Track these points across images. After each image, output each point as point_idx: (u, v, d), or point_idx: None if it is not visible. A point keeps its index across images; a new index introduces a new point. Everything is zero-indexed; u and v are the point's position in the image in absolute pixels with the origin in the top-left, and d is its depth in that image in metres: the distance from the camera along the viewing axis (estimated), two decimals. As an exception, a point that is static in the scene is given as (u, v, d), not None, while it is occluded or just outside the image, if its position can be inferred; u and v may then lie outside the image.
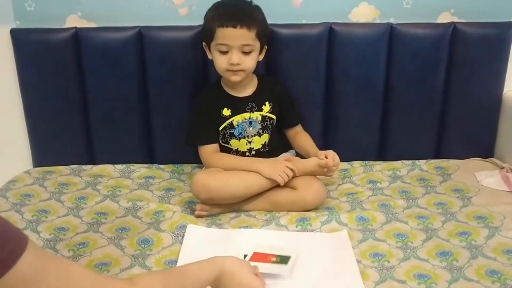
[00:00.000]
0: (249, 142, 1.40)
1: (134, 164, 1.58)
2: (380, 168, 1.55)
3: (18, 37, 1.48)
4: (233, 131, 1.39)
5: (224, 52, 1.30)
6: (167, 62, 1.49)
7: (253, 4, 1.36)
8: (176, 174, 1.55)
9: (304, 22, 1.52)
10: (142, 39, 1.48)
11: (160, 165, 1.59)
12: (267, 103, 1.41)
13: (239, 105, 1.39)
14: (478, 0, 1.53)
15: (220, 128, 1.39)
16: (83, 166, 1.57)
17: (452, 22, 1.51)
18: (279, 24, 1.48)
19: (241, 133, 1.39)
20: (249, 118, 1.39)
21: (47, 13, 1.50)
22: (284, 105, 1.44)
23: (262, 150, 1.42)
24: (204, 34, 1.35)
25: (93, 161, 1.59)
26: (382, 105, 1.57)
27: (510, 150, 1.57)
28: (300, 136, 1.47)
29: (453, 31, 1.50)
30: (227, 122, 1.38)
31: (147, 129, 1.57)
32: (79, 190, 1.44)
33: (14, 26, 1.50)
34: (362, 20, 1.54)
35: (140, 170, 1.56)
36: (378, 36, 1.50)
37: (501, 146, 1.61)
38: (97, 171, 1.55)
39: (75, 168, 1.56)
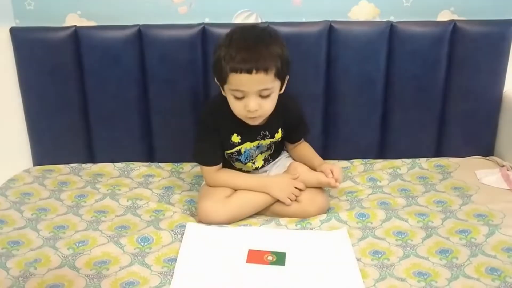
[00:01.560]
0: (253, 163, 1.36)
1: (133, 163, 1.58)
2: (380, 167, 1.55)
3: (18, 36, 1.48)
4: (239, 157, 1.32)
5: (240, 98, 1.19)
6: (167, 61, 1.49)
7: (270, 33, 1.22)
8: (175, 172, 1.55)
9: (304, 20, 1.52)
10: (141, 37, 1.48)
11: (159, 164, 1.58)
12: (280, 130, 1.33)
13: (251, 133, 1.29)
14: (478, -3, 1.53)
15: (227, 152, 1.32)
16: (83, 165, 1.57)
17: (452, 20, 1.51)
18: (279, 22, 1.47)
19: (247, 158, 1.33)
20: (258, 144, 1.32)
21: (46, 11, 1.50)
22: (293, 125, 1.36)
23: (265, 164, 1.38)
24: (216, 72, 1.21)
25: (93, 160, 1.59)
26: (382, 103, 1.56)
27: (510, 148, 1.57)
28: (300, 146, 1.42)
29: (453, 29, 1.50)
30: (235, 149, 1.31)
31: (147, 128, 1.57)
32: (78, 189, 1.43)
33: (14, 25, 1.50)
34: (362, 18, 1.54)
35: (140, 168, 1.55)
36: (378, 34, 1.50)
37: (501, 144, 1.61)
38: (97, 170, 1.55)
39: (75, 166, 1.56)
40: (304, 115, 1.41)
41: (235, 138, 1.29)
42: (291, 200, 1.27)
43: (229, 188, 1.29)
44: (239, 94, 1.18)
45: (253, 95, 1.17)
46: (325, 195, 1.32)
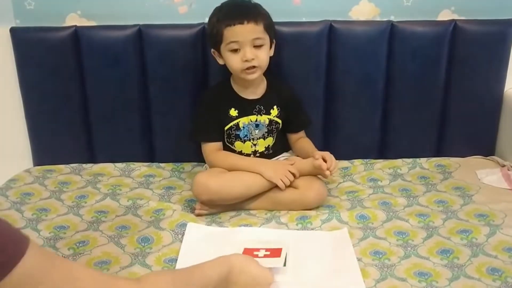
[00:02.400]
0: (254, 145, 1.40)
1: (134, 163, 1.58)
2: (381, 166, 1.55)
3: (18, 35, 1.48)
4: (238, 132, 1.38)
5: (236, 50, 1.29)
6: (167, 60, 1.49)
7: (256, 3, 1.35)
8: (176, 172, 1.55)
9: (304, 20, 1.52)
10: (142, 37, 1.48)
11: (160, 164, 1.58)
12: (275, 107, 1.40)
13: (247, 107, 1.38)
14: (479, -3, 1.53)
15: (226, 128, 1.38)
16: (83, 165, 1.57)
17: (453, 20, 1.51)
18: (279, 22, 1.47)
19: (246, 135, 1.38)
20: (256, 120, 1.38)
21: (46, 11, 1.50)
22: (291, 110, 1.43)
23: (265, 152, 1.42)
24: (212, 39, 1.33)
25: (93, 160, 1.59)
26: (383, 103, 1.56)
27: (511, 148, 1.57)
28: (301, 141, 1.46)
29: (454, 28, 1.50)
30: (233, 122, 1.37)
31: (147, 128, 1.57)
32: (79, 189, 1.44)
33: (14, 25, 1.50)
34: (362, 18, 1.54)
35: (140, 168, 1.55)
36: (378, 34, 1.49)
37: (502, 144, 1.61)
38: (97, 170, 1.55)
39: (75, 166, 1.56)
40: (302, 103, 1.46)
41: (233, 112, 1.37)
42: (285, 185, 1.30)
43: (226, 169, 1.34)
44: (235, 46, 1.28)
45: (248, 46, 1.28)
46: (322, 182, 1.34)
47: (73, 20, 1.51)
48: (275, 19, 1.45)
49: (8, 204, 1.34)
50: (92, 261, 1.09)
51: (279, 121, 1.41)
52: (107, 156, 1.58)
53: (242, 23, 1.27)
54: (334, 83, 1.53)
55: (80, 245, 1.16)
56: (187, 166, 1.57)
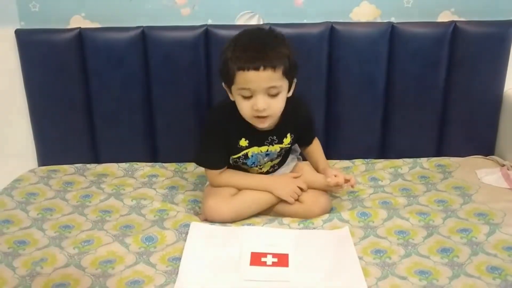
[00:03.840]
0: (260, 169, 1.35)
1: (137, 163, 1.59)
2: (382, 166, 1.56)
3: (23, 37, 1.49)
4: (246, 161, 1.31)
5: (248, 97, 1.17)
6: (170, 62, 1.50)
7: (277, 36, 1.21)
8: (179, 172, 1.56)
9: (305, 21, 1.52)
10: (145, 39, 1.49)
11: (163, 164, 1.59)
12: (288, 135, 1.30)
13: (259, 138, 1.27)
14: (478, -1, 1.54)
15: (233, 157, 1.30)
16: (87, 165, 1.58)
17: (453, 21, 1.52)
18: (281, 24, 1.48)
19: (254, 163, 1.31)
20: (267, 151, 1.30)
21: (51, 13, 1.51)
22: (303, 129, 1.35)
23: (270, 170, 1.37)
24: (223, 75, 1.20)
25: (97, 160, 1.60)
26: (383, 104, 1.57)
27: (510, 147, 1.57)
28: (312, 148, 1.41)
29: (454, 30, 1.51)
30: (243, 153, 1.29)
31: (151, 128, 1.58)
32: (83, 189, 1.45)
33: (19, 27, 1.51)
34: (363, 20, 1.54)
35: (144, 168, 1.56)
36: (379, 35, 1.50)
37: (501, 144, 1.62)
38: (101, 170, 1.56)
39: (80, 167, 1.57)
40: (314, 119, 1.40)
41: (243, 142, 1.27)
42: (294, 199, 1.28)
43: (234, 189, 1.30)
44: (247, 93, 1.16)
45: (261, 94, 1.16)
46: (328, 196, 1.33)
47: (77, 22, 1.52)
48: (276, 20, 1.46)
49: (14, 204, 1.35)
50: (97, 260, 1.10)
51: (289, 145, 1.34)
52: (110, 156, 1.59)
53: (257, 69, 1.12)
54: (335, 84, 1.54)
55: (85, 244, 1.17)
56: (190, 166, 1.58)
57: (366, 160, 1.60)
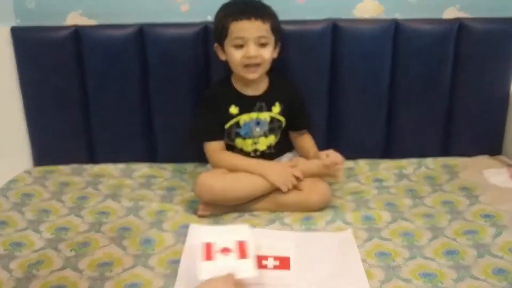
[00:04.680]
0: (255, 143, 1.38)
1: (135, 163, 1.57)
2: (386, 167, 1.54)
3: (19, 35, 1.47)
4: (239, 130, 1.36)
5: (240, 46, 1.28)
6: (169, 60, 1.48)
7: (263, 2, 1.35)
8: (178, 173, 1.54)
9: (308, 18, 1.51)
10: (143, 36, 1.47)
11: (161, 164, 1.57)
12: (277, 103, 1.38)
13: (248, 104, 1.36)
14: (484, -5, 1.52)
15: (226, 126, 1.36)
16: (84, 166, 1.56)
17: (458, 18, 1.50)
18: (283, 21, 1.45)
19: (247, 132, 1.36)
20: (257, 118, 1.36)
21: (47, 10, 1.49)
22: (294, 108, 1.40)
23: (267, 151, 1.40)
24: (217, 33, 1.33)
25: (94, 160, 1.58)
26: (387, 102, 1.55)
27: (517, 147, 1.56)
28: (303, 137, 1.44)
29: (459, 26, 1.49)
30: (234, 120, 1.35)
31: (149, 128, 1.56)
32: (80, 190, 1.43)
33: (15, 24, 1.50)
34: (366, 16, 1.53)
35: (142, 169, 1.55)
36: (382, 32, 1.49)
37: (509, 143, 1.60)
38: (98, 171, 1.54)
39: (76, 167, 1.55)
40: (305, 103, 1.44)
41: (233, 110, 1.35)
42: (288, 188, 1.28)
43: (229, 169, 1.33)
44: (239, 42, 1.28)
45: (252, 43, 1.27)
46: (326, 183, 1.33)
47: (74, 19, 1.50)
48: (279, 17, 1.44)
49: (9, 205, 1.34)
50: (94, 263, 1.09)
51: (281, 118, 1.39)
52: (107, 156, 1.58)
53: (249, 19, 1.26)
54: (338, 82, 1.53)
55: (82, 246, 1.15)
56: (189, 166, 1.56)
57: (369, 160, 1.58)
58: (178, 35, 1.47)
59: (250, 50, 1.27)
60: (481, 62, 1.52)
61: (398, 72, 1.52)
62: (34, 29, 1.48)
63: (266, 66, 1.32)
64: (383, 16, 1.53)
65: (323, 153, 1.30)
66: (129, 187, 1.44)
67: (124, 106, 1.53)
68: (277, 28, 1.32)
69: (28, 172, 1.53)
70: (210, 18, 1.50)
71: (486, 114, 1.57)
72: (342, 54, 1.49)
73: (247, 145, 1.38)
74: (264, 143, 1.39)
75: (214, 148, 1.36)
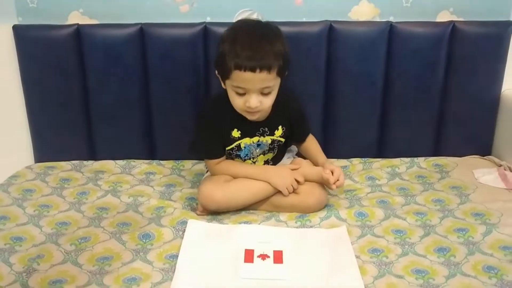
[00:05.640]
0: (254, 162, 1.37)
1: (134, 160, 1.59)
2: (379, 165, 1.57)
3: (21, 33, 1.48)
4: (239, 153, 1.34)
5: (241, 94, 1.21)
6: (168, 59, 1.50)
7: (274, 31, 1.22)
8: (176, 170, 1.56)
9: (304, 20, 1.53)
10: (143, 36, 1.48)
11: (160, 161, 1.59)
12: (280, 127, 1.34)
13: (251, 129, 1.31)
14: (477, -1, 1.54)
15: (227, 148, 1.33)
16: (84, 162, 1.58)
17: (451, 21, 1.52)
18: (280, 22, 1.47)
19: (247, 154, 1.35)
20: (258, 141, 1.33)
21: (49, 9, 1.51)
22: (295, 123, 1.36)
23: (265, 164, 1.39)
24: (218, 67, 1.23)
25: (94, 157, 1.60)
26: (381, 103, 1.58)
27: (508, 148, 1.58)
28: (306, 142, 1.43)
29: (452, 29, 1.51)
30: (235, 143, 1.32)
31: (148, 126, 1.58)
32: (80, 186, 1.44)
33: (17, 23, 1.51)
34: (362, 19, 1.55)
35: (141, 166, 1.56)
36: (377, 34, 1.51)
37: (499, 144, 1.63)
38: (98, 167, 1.56)
39: (76, 163, 1.57)
40: (306, 113, 1.42)
41: (235, 133, 1.31)
42: (289, 192, 1.29)
43: (231, 176, 1.32)
44: (240, 91, 1.20)
45: (255, 93, 1.20)
46: (323, 188, 1.33)
47: (75, 18, 1.52)
48: (276, 18, 1.46)
49: (10, 200, 1.35)
50: (94, 257, 1.11)
51: (282, 140, 1.37)
52: (107, 153, 1.59)
53: (253, 71, 1.15)
54: (334, 83, 1.55)
55: (82, 241, 1.17)
56: (187, 163, 1.58)
57: (363, 159, 1.60)
58: (178, 35, 1.49)
59: (251, 102, 1.20)
60: (473, 64, 1.54)
61: (392, 74, 1.54)
62: (36, 28, 1.49)
63: (267, 109, 1.27)
64: (378, 19, 1.55)
65: (328, 167, 1.29)
66: (128, 183, 1.46)
67: (124, 104, 1.55)
68: (285, 65, 1.21)
69: (29, 168, 1.55)
70: (209, 19, 1.52)
71: (477, 115, 1.60)
72: (337, 55, 1.52)
73: (246, 163, 1.37)
74: (262, 159, 1.38)
75: (215, 162, 1.34)
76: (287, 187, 1.29)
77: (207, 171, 1.41)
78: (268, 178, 1.29)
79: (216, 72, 1.26)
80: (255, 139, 1.33)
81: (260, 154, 1.37)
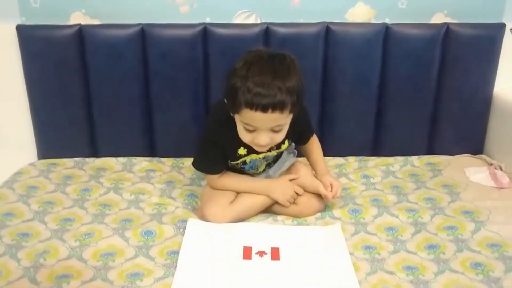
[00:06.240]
0: (256, 170, 1.37)
1: (135, 157, 1.61)
2: (374, 164, 1.59)
3: (24, 33, 1.50)
4: (244, 166, 1.33)
5: (251, 131, 1.15)
6: (169, 59, 1.52)
7: (288, 65, 1.13)
8: (176, 167, 1.59)
9: (301, 21, 1.55)
10: (144, 36, 1.51)
11: (161, 159, 1.62)
12: (286, 141, 1.30)
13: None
14: (471, 1, 1.56)
15: (232, 163, 1.32)
16: (86, 159, 1.61)
17: (445, 23, 1.55)
18: (277, 23, 1.51)
19: (251, 167, 1.34)
20: (264, 157, 1.32)
21: (51, 10, 1.52)
22: (300, 130, 1.33)
23: (266, 168, 1.39)
24: (228, 99, 1.14)
25: (96, 154, 1.63)
26: (377, 103, 1.61)
27: (499, 147, 1.61)
28: (310, 146, 1.41)
29: (446, 31, 1.54)
30: (241, 160, 1.30)
31: (149, 124, 1.61)
32: (83, 183, 1.47)
33: (20, 22, 1.52)
34: (358, 20, 1.57)
35: (142, 163, 1.59)
36: (373, 35, 1.53)
37: (490, 143, 1.65)
38: (100, 164, 1.59)
39: (79, 160, 1.60)
40: (310, 119, 1.39)
41: (242, 151, 1.28)
42: (290, 203, 1.31)
43: (231, 191, 1.32)
44: (250, 128, 1.14)
45: (265, 131, 1.14)
46: (320, 198, 1.34)
47: (78, 18, 1.53)
48: (273, 19, 1.48)
49: (16, 197, 1.38)
50: (98, 253, 1.13)
51: (286, 148, 1.35)
52: (109, 150, 1.62)
53: (265, 111, 1.08)
54: (330, 83, 1.57)
55: (86, 237, 1.19)
56: (187, 161, 1.60)
57: (359, 157, 1.63)
58: (178, 35, 1.51)
59: (260, 140, 1.14)
60: (466, 65, 1.56)
61: (387, 74, 1.57)
62: (39, 27, 1.51)
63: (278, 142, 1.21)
64: (374, 20, 1.57)
65: (328, 182, 1.29)
66: (130, 181, 1.48)
67: (125, 102, 1.57)
68: (298, 101, 1.12)
69: (32, 165, 1.57)
70: (209, 19, 1.54)
71: (469, 115, 1.62)
72: (334, 56, 1.54)
73: (248, 172, 1.37)
74: (263, 165, 1.37)
75: (215, 177, 1.32)
76: (288, 199, 1.30)
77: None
78: (269, 193, 1.30)
79: (226, 102, 1.18)
80: (262, 155, 1.30)
81: (263, 164, 1.37)
